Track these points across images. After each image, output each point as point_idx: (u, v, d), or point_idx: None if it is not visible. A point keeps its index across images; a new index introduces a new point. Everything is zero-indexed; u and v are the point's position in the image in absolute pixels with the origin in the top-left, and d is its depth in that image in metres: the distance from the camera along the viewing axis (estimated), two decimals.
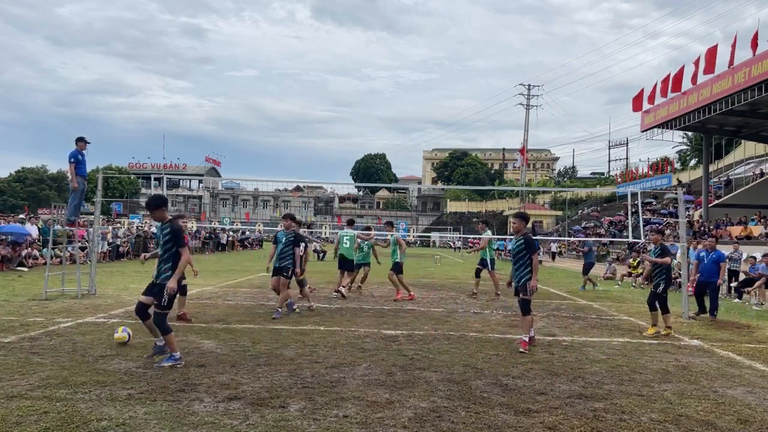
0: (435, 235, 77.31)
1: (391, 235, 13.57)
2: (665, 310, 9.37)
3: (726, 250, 17.15)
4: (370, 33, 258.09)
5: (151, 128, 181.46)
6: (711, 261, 11.62)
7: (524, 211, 9.17)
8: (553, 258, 40.34)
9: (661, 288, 9.41)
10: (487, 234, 14.88)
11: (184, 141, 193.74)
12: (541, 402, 5.34)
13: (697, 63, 24.71)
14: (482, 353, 7.42)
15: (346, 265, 13.18)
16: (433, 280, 19.80)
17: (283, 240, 10.11)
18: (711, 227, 26.28)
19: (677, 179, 44.80)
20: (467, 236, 60.50)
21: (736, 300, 15.39)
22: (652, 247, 10.04)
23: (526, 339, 7.64)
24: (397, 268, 13.03)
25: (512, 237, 8.23)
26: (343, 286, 12.99)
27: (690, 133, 47.96)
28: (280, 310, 9.87)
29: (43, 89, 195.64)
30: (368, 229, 15.57)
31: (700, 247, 13.78)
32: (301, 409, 4.86)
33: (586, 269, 17.47)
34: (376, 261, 14.59)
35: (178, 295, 8.55)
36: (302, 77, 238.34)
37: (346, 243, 13.21)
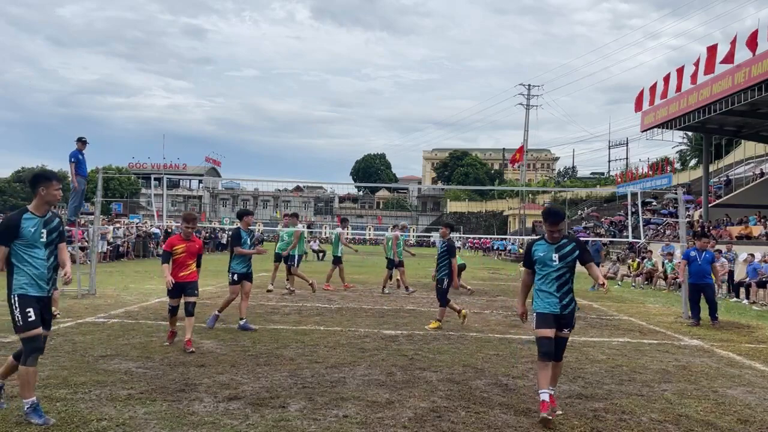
0: (435, 235, 77.36)
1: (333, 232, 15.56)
2: (443, 303, 9.39)
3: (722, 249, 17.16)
4: (369, 33, 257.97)
5: (151, 128, 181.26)
6: (705, 261, 10.85)
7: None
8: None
9: (444, 283, 9.37)
10: (299, 228, 14.36)
11: (184, 141, 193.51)
12: None
13: (697, 63, 24.72)
14: (482, 353, 7.42)
15: (391, 263, 15.17)
16: (433, 280, 19.77)
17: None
18: (711, 227, 26.28)
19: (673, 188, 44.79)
20: (467, 236, 60.56)
21: (735, 299, 15.39)
22: (439, 242, 9.90)
23: (546, 398, 4.86)
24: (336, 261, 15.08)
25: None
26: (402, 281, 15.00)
27: (690, 133, 47.91)
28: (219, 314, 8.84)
29: (43, 89, 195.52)
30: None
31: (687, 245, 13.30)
32: (301, 409, 4.87)
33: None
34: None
35: (187, 319, 7.22)
36: (302, 77, 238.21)
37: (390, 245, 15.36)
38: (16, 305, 4.38)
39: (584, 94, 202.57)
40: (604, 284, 5.17)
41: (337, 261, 15.17)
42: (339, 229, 16.02)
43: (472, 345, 7.95)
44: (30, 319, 4.37)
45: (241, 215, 9.10)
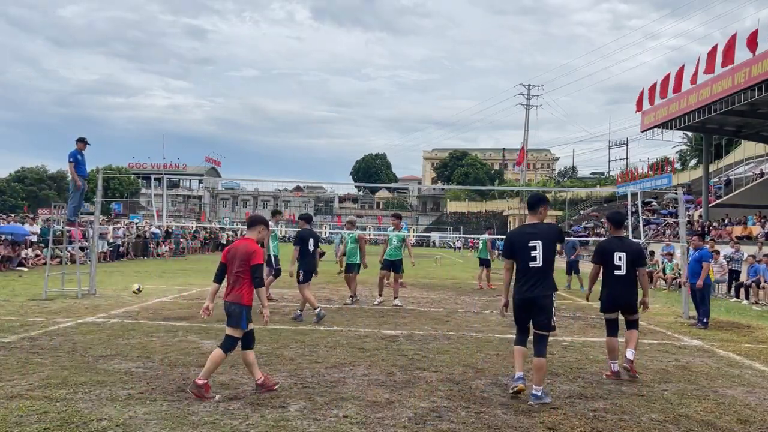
0: (435, 235, 77.33)
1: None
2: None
3: (724, 250, 17.15)
4: (369, 33, 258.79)
5: (151, 128, 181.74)
6: (693, 260, 10.52)
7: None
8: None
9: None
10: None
11: (184, 141, 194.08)
12: None
13: (697, 63, 24.72)
14: (482, 353, 7.41)
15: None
16: (433, 280, 19.79)
17: None
18: (711, 227, 26.27)
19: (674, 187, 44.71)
20: (468, 236, 60.54)
21: (735, 299, 15.37)
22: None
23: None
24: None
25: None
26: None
27: (690, 133, 47.92)
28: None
29: (43, 89, 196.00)
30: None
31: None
32: (301, 409, 4.86)
33: (571, 268, 17.60)
34: None
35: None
36: (302, 77, 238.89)
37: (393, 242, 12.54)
38: (556, 305, 5.66)
39: (584, 94, 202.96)
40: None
41: (485, 263, 17.21)
42: (486, 235, 17.56)
43: (472, 345, 7.95)
44: None
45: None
